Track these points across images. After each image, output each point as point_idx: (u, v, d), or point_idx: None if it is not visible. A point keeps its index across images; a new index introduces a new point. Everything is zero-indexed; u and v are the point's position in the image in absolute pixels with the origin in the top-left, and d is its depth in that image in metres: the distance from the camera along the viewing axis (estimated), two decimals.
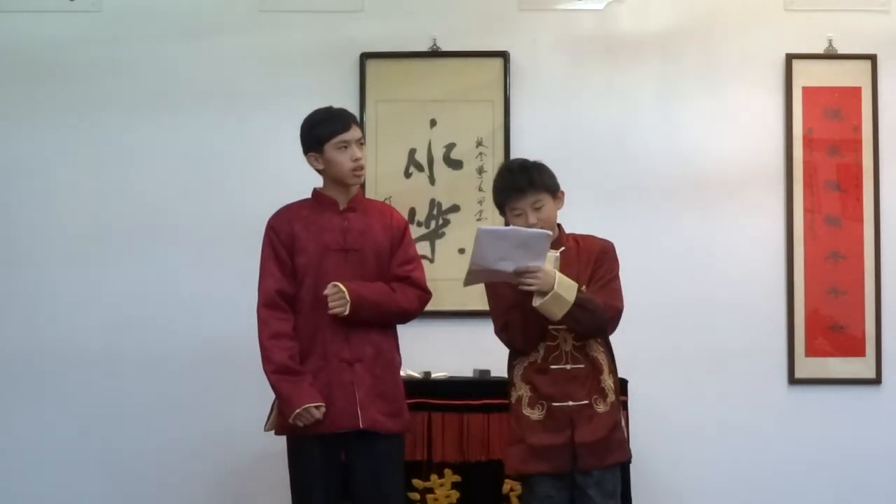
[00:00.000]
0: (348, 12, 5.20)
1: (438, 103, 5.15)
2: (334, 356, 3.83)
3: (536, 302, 3.65)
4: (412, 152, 5.17)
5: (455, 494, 4.51)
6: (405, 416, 3.96)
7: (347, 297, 3.77)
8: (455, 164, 5.17)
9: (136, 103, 5.18)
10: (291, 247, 3.88)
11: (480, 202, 5.14)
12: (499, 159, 5.09)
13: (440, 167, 5.17)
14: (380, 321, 3.88)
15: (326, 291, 3.79)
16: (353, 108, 5.07)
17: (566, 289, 3.65)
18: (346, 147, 3.89)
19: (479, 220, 5.10)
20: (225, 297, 5.08)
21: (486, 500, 4.49)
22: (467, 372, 4.68)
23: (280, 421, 3.88)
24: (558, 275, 3.66)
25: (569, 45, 5.20)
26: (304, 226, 3.90)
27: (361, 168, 3.92)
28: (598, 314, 3.73)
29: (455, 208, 5.12)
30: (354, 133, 3.91)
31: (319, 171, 3.97)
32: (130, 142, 5.17)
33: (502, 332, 3.85)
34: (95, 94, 5.19)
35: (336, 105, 5.05)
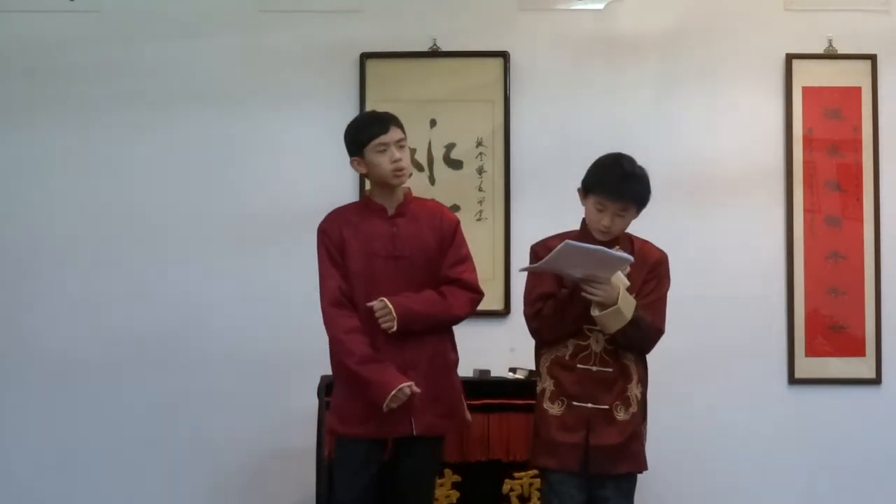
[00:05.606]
0: (348, 12, 5.19)
1: (438, 103, 5.15)
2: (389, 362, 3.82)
3: (595, 312, 3.62)
4: (412, 152, 5.10)
5: (455, 494, 4.50)
6: (460, 413, 3.96)
7: (394, 314, 3.75)
8: (455, 165, 5.17)
9: (136, 103, 5.17)
10: (342, 250, 3.86)
11: (480, 202, 5.14)
12: (499, 159, 5.10)
13: (440, 167, 5.17)
14: (432, 328, 3.85)
15: (374, 307, 3.77)
16: (353, 108, 5.10)
17: (627, 306, 3.63)
18: (384, 149, 3.84)
19: (478, 220, 5.10)
20: (226, 297, 5.09)
21: (486, 500, 4.49)
22: (467, 372, 4.67)
23: (331, 424, 3.88)
24: (622, 291, 3.63)
25: (569, 45, 5.19)
26: (353, 232, 3.87)
27: (402, 169, 3.86)
28: (647, 334, 3.72)
29: (455, 208, 5.10)
30: (394, 135, 3.86)
31: (364, 176, 3.95)
32: (130, 142, 5.17)
33: (533, 319, 3.78)
34: (95, 94, 5.18)
35: (336, 105, 5.14)
